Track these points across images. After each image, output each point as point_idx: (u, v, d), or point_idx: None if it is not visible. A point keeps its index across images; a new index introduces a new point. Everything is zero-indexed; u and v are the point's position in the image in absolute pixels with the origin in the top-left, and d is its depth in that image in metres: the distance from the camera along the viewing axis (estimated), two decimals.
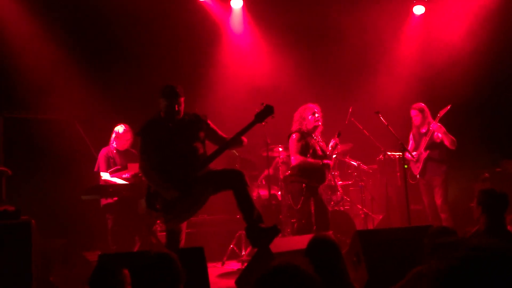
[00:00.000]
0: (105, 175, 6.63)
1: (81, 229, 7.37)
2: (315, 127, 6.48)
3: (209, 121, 5.16)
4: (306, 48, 9.50)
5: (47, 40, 8.05)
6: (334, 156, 6.79)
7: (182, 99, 4.97)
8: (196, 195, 4.86)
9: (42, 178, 7.72)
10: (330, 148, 6.62)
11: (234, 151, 7.61)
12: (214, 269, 7.06)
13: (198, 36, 9.15)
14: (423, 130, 7.27)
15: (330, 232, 6.11)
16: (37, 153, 7.82)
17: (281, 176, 7.36)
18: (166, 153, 4.90)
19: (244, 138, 5.08)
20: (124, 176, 6.60)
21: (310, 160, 6.35)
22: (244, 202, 4.78)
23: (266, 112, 4.96)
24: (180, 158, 4.88)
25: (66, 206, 7.51)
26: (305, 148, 6.39)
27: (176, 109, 4.92)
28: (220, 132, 5.19)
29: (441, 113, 7.02)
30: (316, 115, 6.46)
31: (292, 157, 6.50)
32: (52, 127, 7.80)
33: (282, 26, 9.46)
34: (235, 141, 5.02)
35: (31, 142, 7.81)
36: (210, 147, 5.15)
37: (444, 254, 0.83)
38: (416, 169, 7.28)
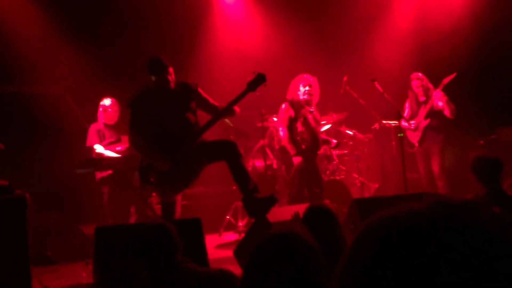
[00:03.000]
0: (99, 148, 6.58)
1: (76, 202, 7.36)
2: (305, 100, 6.38)
3: (200, 90, 5.08)
4: (299, 17, 9.37)
5: (36, 12, 7.91)
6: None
7: (171, 69, 4.91)
8: (189, 166, 4.83)
9: (36, 153, 7.66)
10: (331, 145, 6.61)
11: (228, 121, 7.57)
12: (211, 240, 7.07)
13: (189, 6, 9.00)
14: (422, 99, 7.20)
15: (327, 201, 6.10)
16: (30, 128, 7.75)
17: (277, 146, 7.33)
18: (158, 124, 4.85)
19: (237, 108, 5.02)
20: (117, 148, 6.55)
21: (288, 145, 6.29)
22: (239, 173, 4.76)
23: (258, 80, 4.91)
24: (173, 129, 4.83)
25: (61, 180, 7.48)
26: (294, 119, 6.34)
27: (169, 79, 4.87)
28: (211, 101, 5.11)
29: (446, 81, 6.93)
30: (307, 88, 6.35)
31: (279, 128, 6.46)
32: (44, 101, 7.73)
33: None
34: (228, 110, 4.96)
35: (23, 117, 7.74)
36: (202, 117, 5.09)
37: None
38: (415, 138, 7.24)
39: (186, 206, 8.00)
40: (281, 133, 6.42)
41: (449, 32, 8.68)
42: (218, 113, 4.96)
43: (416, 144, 7.25)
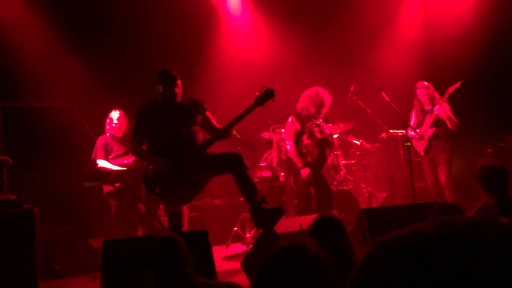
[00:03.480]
0: (101, 163, 6.60)
1: (84, 216, 7.36)
2: (315, 115, 6.40)
3: (206, 109, 5.18)
4: (306, 28, 9.39)
5: (43, 27, 7.97)
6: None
7: (179, 82, 5.01)
8: (194, 177, 4.87)
9: (43, 166, 7.68)
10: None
11: (235, 133, 7.61)
12: (219, 252, 7.05)
13: (196, 17, 9.05)
14: (428, 108, 7.17)
15: (334, 212, 6.08)
16: (38, 142, 7.78)
17: (284, 157, 7.32)
18: (164, 135, 4.92)
19: (233, 129, 5.07)
20: (125, 161, 6.57)
21: (295, 158, 6.33)
22: (245, 184, 4.77)
23: (267, 95, 4.98)
24: (180, 142, 4.89)
25: (69, 194, 7.50)
26: (300, 132, 6.37)
27: (176, 92, 4.96)
28: (214, 122, 5.20)
29: (450, 90, 6.88)
30: (319, 106, 6.37)
31: (287, 142, 6.49)
32: (52, 115, 7.76)
33: (280, 5, 9.36)
34: (231, 126, 5.01)
35: (31, 131, 7.77)
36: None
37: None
38: (421, 146, 7.21)
39: (194, 218, 7.99)
40: (288, 146, 6.46)
41: (456, 40, 8.66)
42: (220, 131, 5.02)
43: (422, 153, 7.21)
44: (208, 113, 5.18)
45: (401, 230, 0.74)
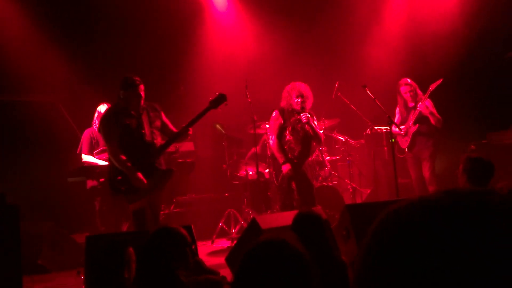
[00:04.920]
0: (86, 157, 6.59)
1: (68, 211, 7.33)
2: (297, 110, 6.40)
3: (162, 113, 5.45)
4: (291, 24, 9.40)
5: (24, 19, 7.89)
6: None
7: (142, 87, 5.23)
8: (156, 177, 5.18)
9: (27, 161, 7.64)
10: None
11: (221, 128, 7.65)
12: (204, 247, 7.07)
13: (182, 13, 9.03)
14: (411, 104, 7.23)
15: (319, 207, 6.11)
16: (21, 136, 7.73)
17: (269, 153, 7.35)
18: (129, 139, 5.12)
19: (190, 130, 5.33)
20: None
21: (277, 153, 6.39)
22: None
23: (220, 99, 5.34)
24: (142, 144, 5.16)
25: (53, 189, 7.47)
26: (283, 127, 6.40)
27: (139, 97, 5.18)
28: (171, 126, 5.49)
29: (433, 86, 6.95)
30: (298, 99, 6.35)
31: (270, 136, 6.52)
32: (36, 110, 7.71)
33: (266, 1, 9.37)
34: (187, 128, 5.26)
35: (15, 125, 7.72)
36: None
37: None
38: (404, 143, 7.27)
39: (179, 213, 8.01)
40: (271, 141, 6.49)
41: (440, 37, 8.73)
42: (177, 133, 5.30)
43: (406, 150, 7.27)
44: (164, 117, 5.46)
45: (404, 201, 0.78)
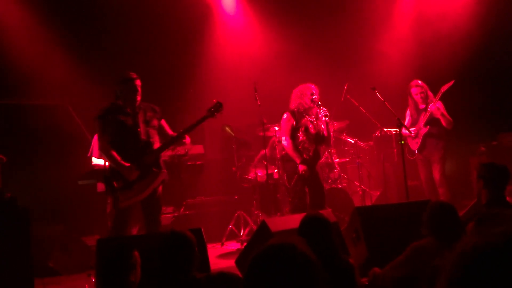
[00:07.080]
0: (96, 161, 6.62)
1: (78, 214, 7.37)
2: (310, 108, 6.41)
3: (161, 117, 5.48)
4: (300, 26, 9.40)
5: (35, 23, 7.94)
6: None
7: (139, 83, 5.28)
8: (151, 177, 5.19)
9: (38, 164, 7.69)
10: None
11: (230, 131, 7.65)
12: (213, 250, 7.08)
13: (191, 16, 9.06)
14: (422, 106, 7.20)
15: (329, 210, 6.10)
16: (32, 140, 7.77)
17: (278, 155, 7.35)
18: (125, 136, 5.16)
19: (188, 139, 5.36)
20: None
21: (293, 153, 6.35)
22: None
23: (217, 107, 5.42)
24: (138, 142, 5.18)
25: (63, 192, 7.50)
26: (295, 128, 6.38)
27: (136, 94, 5.21)
28: (169, 130, 5.50)
29: (444, 88, 6.90)
30: (314, 96, 6.38)
31: (283, 138, 6.49)
32: (46, 113, 7.75)
33: (275, 4, 9.38)
34: (184, 133, 5.29)
35: (25, 129, 7.76)
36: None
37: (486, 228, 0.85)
38: (415, 145, 7.23)
39: (189, 216, 8.02)
40: (284, 142, 6.44)
41: (450, 39, 8.69)
42: (173, 138, 5.32)
43: (416, 152, 7.24)
44: (163, 121, 5.48)
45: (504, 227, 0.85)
